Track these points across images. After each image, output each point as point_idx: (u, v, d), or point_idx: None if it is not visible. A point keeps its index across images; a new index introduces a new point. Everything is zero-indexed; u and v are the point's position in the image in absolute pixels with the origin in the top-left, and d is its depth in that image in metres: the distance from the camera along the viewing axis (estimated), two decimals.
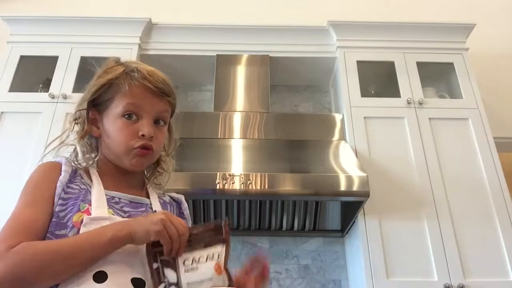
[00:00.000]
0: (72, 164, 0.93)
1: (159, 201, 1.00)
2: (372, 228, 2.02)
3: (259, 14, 3.03)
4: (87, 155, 0.96)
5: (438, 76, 2.60)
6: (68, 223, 0.82)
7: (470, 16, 2.81)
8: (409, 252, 1.97)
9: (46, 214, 0.83)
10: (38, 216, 0.82)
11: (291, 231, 2.34)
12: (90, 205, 0.85)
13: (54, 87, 2.33)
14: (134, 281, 0.79)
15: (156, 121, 0.95)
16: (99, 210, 0.84)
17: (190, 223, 1.04)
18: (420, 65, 2.48)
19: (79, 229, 0.80)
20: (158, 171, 1.04)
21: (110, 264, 0.78)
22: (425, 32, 2.57)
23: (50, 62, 2.43)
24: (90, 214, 0.83)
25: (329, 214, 2.27)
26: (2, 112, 2.25)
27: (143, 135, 0.90)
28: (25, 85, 2.44)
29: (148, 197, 0.99)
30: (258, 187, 1.89)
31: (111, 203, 0.89)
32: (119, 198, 0.92)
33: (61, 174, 0.88)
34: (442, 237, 2.00)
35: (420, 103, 2.34)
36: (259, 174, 1.92)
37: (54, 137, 0.97)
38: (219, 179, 1.89)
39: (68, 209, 0.84)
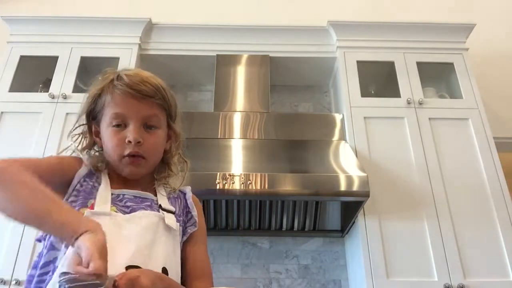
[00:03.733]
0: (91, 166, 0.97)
1: (168, 197, 1.01)
2: (372, 228, 2.02)
3: (259, 14, 3.03)
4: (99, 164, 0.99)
5: (438, 76, 2.60)
6: None
7: (470, 16, 2.81)
8: (409, 252, 1.97)
9: (58, 178, 0.89)
10: (53, 172, 0.88)
11: (291, 231, 2.34)
12: (95, 201, 0.89)
13: (54, 87, 2.33)
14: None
15: (147, 126, 0.94)
16: (101, 207, 0.87)
17: (195, 211, 1.04)
18: (420, 65, 2.48)
19: None
20: (169, 173, 1.04)
21: None
22: (425, 32, 2.57)
23: (50, 62, 2.43)
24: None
25: (329, 214, 2.27)
26: (2, 112, 2.25)
27: (129, 142, 0.91)
28: (25, 85, 2.43)
29: (156, 195, 1.00)
30: (258, 187, 1.89)
31: (116, 201, 0.91)
32: (123, 195, 0.94)
33: (81, 167, 0.93)
34: (442, 237, 2.00)
35: (420, 103, 2.34)
36: (259, 174, 1.92)
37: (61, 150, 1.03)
38: (219, 179, 1.89)
39: (79, 202, 0.89)
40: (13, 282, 1.84)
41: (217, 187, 1.88)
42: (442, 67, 2.56)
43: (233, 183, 1.89)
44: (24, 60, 2.45)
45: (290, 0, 3.13)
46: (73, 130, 0.99)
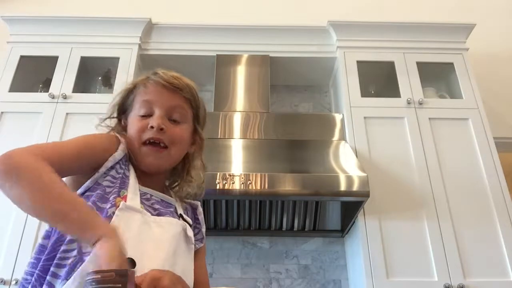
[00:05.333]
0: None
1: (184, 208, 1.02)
2: (372, 228, 2.02)
3: (259, 14, 3.03)
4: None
5: (438, 76, 2.60)
6: (110, 199, 0.84)
7: (470, 16, 2.81)
8: (409, 252, 1.97)
9: (87, 162, 0.86)
10: (78, 159, 0.85)
11: (291, 231, 2.34)
12: (127, 192, 0.87)
13: (54, 87, 2.33)
14: None
15: (172, 119, 0.95)
16: (133, 201, 0.86)
17: (204, 228, 1.06)
18: (420, 65, 2.48)
19: (117, 207, 0.82)
20: (189, 180, 1.02)
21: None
22: (425, 32, 2.57)
23: (50, 62, 2.43)
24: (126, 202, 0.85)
25: (329, 214, 2.27)
26: (2, 112, 2.25)
27: (152, 127, 0.91)
28: (25, 85, 2.43)
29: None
30: (258, 187, 1.89)
31: (143, 198, 0.90)
32: (151, 195, 0.93)
33: (116, 151, 0.90)
34: (442, 237, 2.00)
35: (420, 103, 2.34)
36: (259, 174, 1.92)
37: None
38: (219, 179, 1.89)
39: (115, 190, 0.86)
40: (13, 282, 1.84)
41: (217, 187, 1.88)
42: (442, 67, 2.55)
43: (233, 183, 1.89)
44: (24, 60, 2.45)
45: (290, 0, 3.13)
46: (102, 122, 0.99)
